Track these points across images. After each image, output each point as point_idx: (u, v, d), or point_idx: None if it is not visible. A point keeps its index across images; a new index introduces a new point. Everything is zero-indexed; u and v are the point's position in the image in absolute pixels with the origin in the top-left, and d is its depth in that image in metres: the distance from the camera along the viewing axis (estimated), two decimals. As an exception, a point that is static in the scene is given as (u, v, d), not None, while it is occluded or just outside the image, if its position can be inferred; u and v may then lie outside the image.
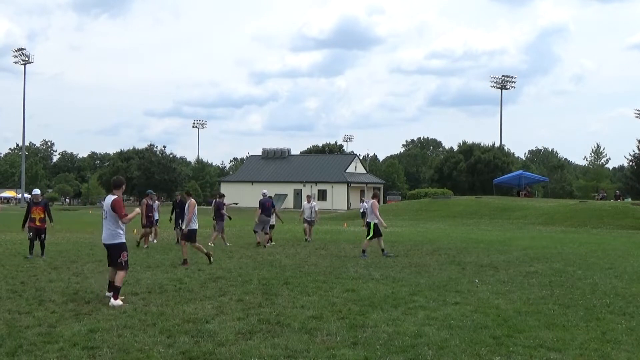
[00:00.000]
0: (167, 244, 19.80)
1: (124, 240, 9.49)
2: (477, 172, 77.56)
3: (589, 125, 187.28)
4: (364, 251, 15.94)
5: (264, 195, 20.06)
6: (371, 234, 16.11)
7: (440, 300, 9.49)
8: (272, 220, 20.11)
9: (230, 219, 20.71)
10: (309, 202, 22.00)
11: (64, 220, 36.06)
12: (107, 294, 9.35)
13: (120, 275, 9.16)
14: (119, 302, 8.84)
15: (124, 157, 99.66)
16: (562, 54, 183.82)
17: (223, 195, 20.45)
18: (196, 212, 14.44)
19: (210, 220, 20.26)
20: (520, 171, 65.72)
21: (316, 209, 22.17)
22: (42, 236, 15.60)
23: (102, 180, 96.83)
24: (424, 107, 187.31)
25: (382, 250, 16.20)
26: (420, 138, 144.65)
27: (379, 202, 16.29)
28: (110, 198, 9.42)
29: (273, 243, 19.73)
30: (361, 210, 37.85)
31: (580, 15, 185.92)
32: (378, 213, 16.20)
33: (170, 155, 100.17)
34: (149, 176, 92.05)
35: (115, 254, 9.38)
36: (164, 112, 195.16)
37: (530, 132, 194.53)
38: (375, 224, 16.12)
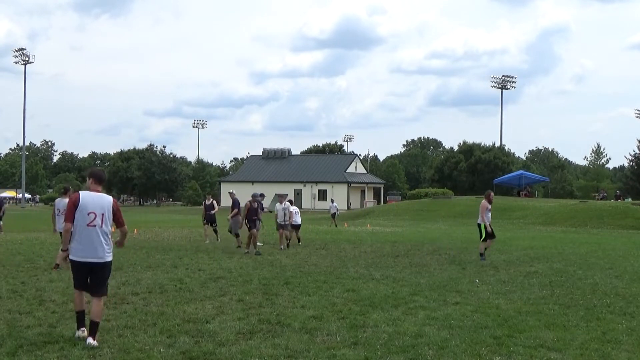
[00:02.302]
0: (167, 244, 19.80)
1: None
2: (477, 172, 77.55)
3: (590, 125, 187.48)
4: (481, 254, 15.24)
5: (254, 196, 18.04)
6: (483, 235, 15.32)
7: (441, 300, 9.49)
8: (299, 220, 20.01)
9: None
10: (281, 202, 19.17)
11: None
12: (81, 332, 6.90)
13: (101, 306, 6.95)
14: (96, 342, 6.62)
15: (125, 157, 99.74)
16: (563, 54, 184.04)
17: (263, 196, 19.83)
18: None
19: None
20: (521, 171, 65.71)
21: (290, 209, 19.15)
22: None
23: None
24: (425, 107, 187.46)
25: (481, 254, 15.33)
26: (420, 138, 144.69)
27: (489, 202, 15.44)
28: (107, 198, 7.07)
29: (300, 243, 19.76)
30: (331, 212, 36.54)
31: (581, 15, 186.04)
32: (484, 214, 15.32)
33: (171, 155, 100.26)
34: (149, 176, 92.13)
35: (105, 276, 7.03)
36: (164, 112, 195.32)
37: (531, 132, 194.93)
38: (484, 225, 15.32)
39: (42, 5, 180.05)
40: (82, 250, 6.87)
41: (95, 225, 6.87)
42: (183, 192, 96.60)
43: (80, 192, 7.05)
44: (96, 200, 6.97)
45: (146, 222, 34.97)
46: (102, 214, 6.94)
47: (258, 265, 13.82)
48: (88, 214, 6.88)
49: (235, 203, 19.56)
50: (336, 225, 34.35)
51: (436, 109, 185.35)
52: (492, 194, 16.12)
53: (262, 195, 19.82)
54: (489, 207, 15.51)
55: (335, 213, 36.28)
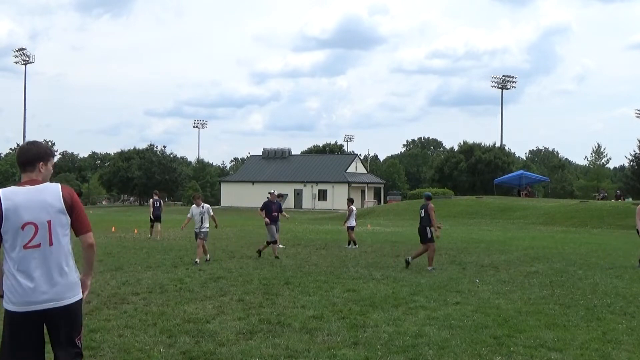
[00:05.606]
0: (168, 244, 19.81)
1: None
2: (477, 172, 77.56)
3: (590, 125, 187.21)
4: None
5: (426, 197, 14.17)
6: None
7: (441, 300, 9.49)
8: (353, 222, 19.08)
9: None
10: (198, 205, 14.95)
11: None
12: None
13: None
14: None
15: (125, 157, 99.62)
16: (564, 54, 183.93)
17: (280, 195, 18.96)
18: None
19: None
20: (521, 171, 65.72)
21: (210, 213, 15.03)
22: None
23: (103, 180, 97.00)
24: (425, 107, 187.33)
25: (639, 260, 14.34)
26: (421, 138, 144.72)
27: None
28: (51, 191, 3.95)
29: (352, 246, 18.68)
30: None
31: (582, 15, 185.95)
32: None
33: (171, 155, 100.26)
34: (149, 176, 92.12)
35: (75, 325, 4.08)
36: (164, 112, 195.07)
37: (531, 132, 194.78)
38: None
39: (44, 5, 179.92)
40: (24, 292, 3.82)
41: (38, 245, 3.85)
42: (183, 192, 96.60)
43: (0, 190, 3.89)
44: (33, 199, 3.87)
45: (146, 222, 34.95)
46: (49, 221, 3.87)
47: (258, 266, 13.83)
48: (23, 228, 3.82)
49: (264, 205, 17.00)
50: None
51: (437, 108, 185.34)
52: None
53: (280, 195, 19.55)
54: None
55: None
